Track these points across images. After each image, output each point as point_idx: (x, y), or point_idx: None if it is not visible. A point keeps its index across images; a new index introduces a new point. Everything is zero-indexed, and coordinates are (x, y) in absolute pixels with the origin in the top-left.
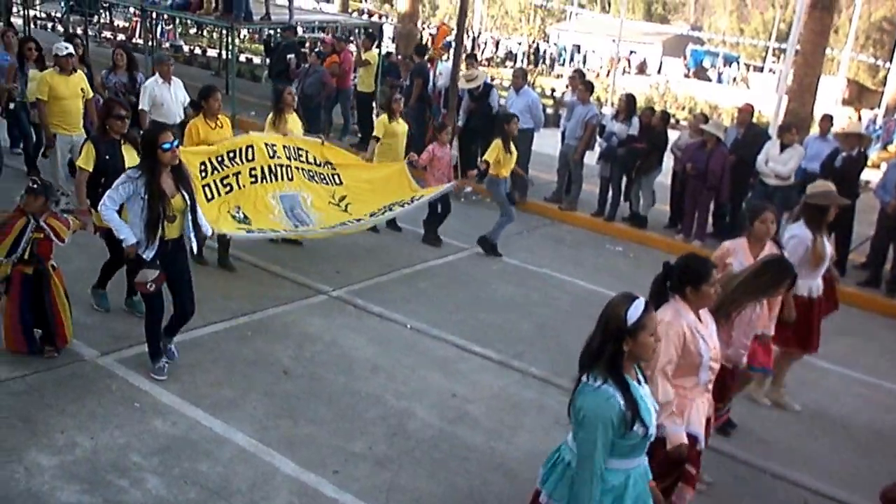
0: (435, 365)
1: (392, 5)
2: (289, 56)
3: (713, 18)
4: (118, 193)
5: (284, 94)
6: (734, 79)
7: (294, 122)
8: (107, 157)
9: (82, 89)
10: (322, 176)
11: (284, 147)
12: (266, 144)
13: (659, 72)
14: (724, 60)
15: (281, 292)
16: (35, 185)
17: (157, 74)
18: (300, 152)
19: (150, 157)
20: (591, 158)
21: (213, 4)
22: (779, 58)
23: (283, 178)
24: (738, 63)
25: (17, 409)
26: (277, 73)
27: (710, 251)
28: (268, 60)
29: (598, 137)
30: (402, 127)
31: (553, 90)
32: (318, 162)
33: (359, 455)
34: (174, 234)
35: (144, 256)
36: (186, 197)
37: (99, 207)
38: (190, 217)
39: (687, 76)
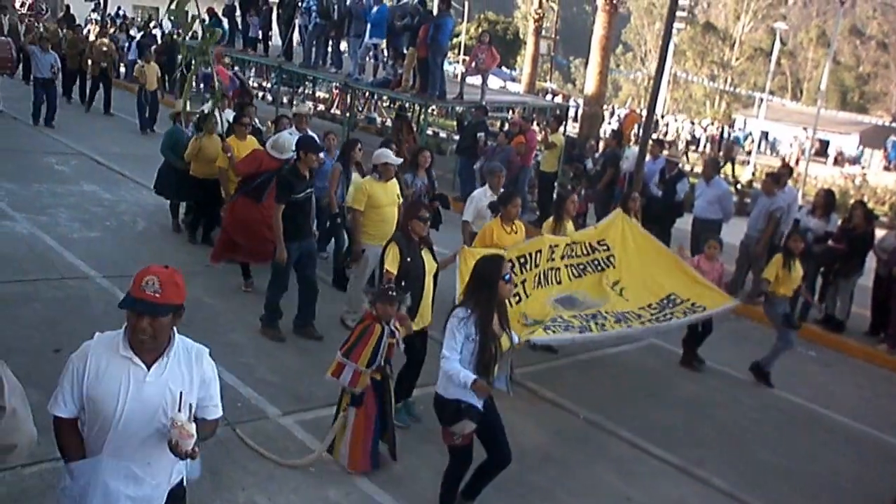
0: (608, 462)
1: (574, 85)
2: (479, 134)
3: None
4: (456, 340)
5: (567, 203)
6: None
7: (571, 229)
8: (408, 259)
9: (397, 195)
10: (596, 262)
11: (567, 246)
12: (550, 247)
13: (855, 163)
14: None
15: None
16: (393, 293)
17: (485, 185)
18: (573, 248)
19: (487, 290)
20: None
21: (411, 83)
22: None
23: (552, 282)
24: None
25: (206, 460)
26: (464, 149)
27: None
28: (456, 136)
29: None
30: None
31: (733, 176)
32: (589, 250)
33: None
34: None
35: (474, 403)
36: (510, 336)
37: (442, 363)
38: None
39: (888, 168)
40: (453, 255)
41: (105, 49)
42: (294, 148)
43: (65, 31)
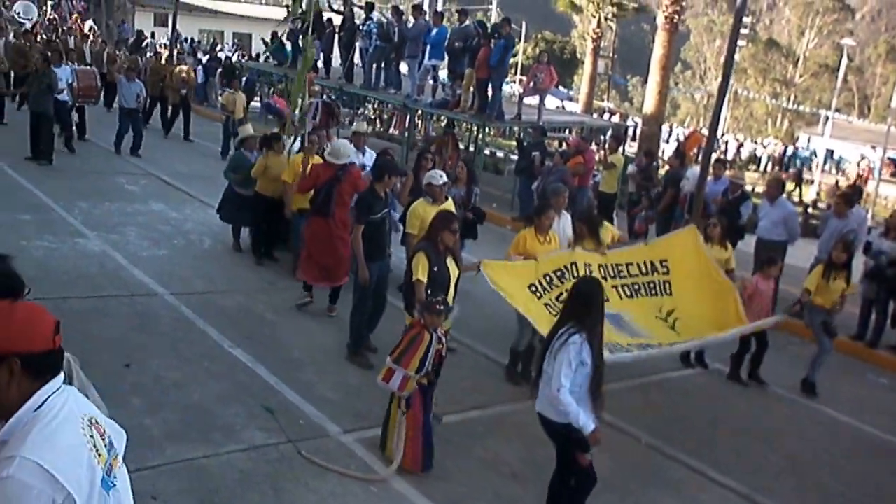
0: (669, 488)
1: (632, 104)
2: (534, 153)
3: None
4: (573, 368)
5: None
6: None
7: (607, 231)
8: (436, 268)
9: None
10: (652, 285)
11: (601, 266)
12: (585, 264)
13: None
14: None
15: (511, 389)
16: (443, 306)
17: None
18: (620, 268)
19: (591, 311)
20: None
21: (469, 104)
22: None
23: None
24: None
25: (270, 476)
26: (523, 170)
27: None
28: (514, 156)
29: (862, 255)
30: (723, 254)
31: (800, 198)
32: (646, 270)
33: None
34: None
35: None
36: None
37: (561, 395)
38: None
39: None
40: (473, 265)
41: (184, 76)
42: (350, 154)
43: (130, 55)
